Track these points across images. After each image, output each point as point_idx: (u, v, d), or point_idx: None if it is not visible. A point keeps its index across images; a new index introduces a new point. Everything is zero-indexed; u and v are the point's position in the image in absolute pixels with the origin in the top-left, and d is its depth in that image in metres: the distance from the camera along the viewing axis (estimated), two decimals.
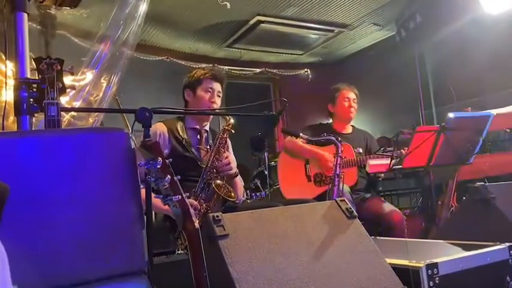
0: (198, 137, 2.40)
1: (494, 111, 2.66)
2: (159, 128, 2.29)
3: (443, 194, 3.20)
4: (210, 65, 5.06)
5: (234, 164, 2.32)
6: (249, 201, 3.95)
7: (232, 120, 2.30)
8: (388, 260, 1.45)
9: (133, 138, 1.32)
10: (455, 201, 2.97)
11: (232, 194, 2.20)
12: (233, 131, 2.31)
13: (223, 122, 2.34)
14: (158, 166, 1.14)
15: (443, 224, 2.91)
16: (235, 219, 1.38)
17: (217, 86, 2.41)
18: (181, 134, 2.32)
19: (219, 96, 2.43)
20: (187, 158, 2.27)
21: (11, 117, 2.01)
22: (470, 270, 1.51)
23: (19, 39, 1.89)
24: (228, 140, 2.34)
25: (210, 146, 2.38)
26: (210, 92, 2.39)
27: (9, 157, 1.11)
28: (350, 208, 1.56)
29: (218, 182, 2.18)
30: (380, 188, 3.88)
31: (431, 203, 4.04)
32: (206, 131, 2.45)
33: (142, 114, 1.38)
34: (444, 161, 2.61)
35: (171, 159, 1.18)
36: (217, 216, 1.33)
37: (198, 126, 2.42)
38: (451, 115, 2.51)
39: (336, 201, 1.59)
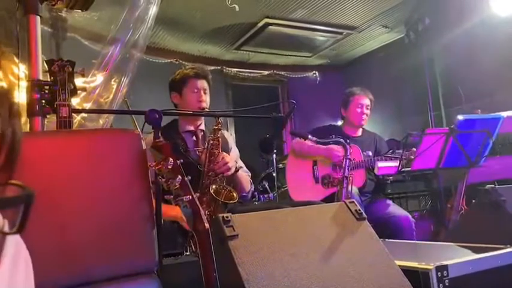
0: (194, 138, 2.37)
1: (504, 114, 2.64)
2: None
3: (453, 197, 3.18)
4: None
5: (232, 161, 2.24)
6: (256, 203, 3.96)
7: (221, 119, 2.22)
8: (398, 262, 1.45)
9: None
10: (465, 204, 2.95)
11: (234, 195, 2.13)
12: (221, 130, 2.22)
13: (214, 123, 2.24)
14: (169, 166, 1.15)
15: (452, 226, 2.89)
16: (245, 220, 1.38)
17: (202, 84, 2.36)
18: (176, 139, 2.27)
19: (206, 94, 2.38)
20: (185, 163, 2.26)
21: (23, 119, 2.03)
22: (481, 273, 1.50)
23: (32, 41, 1.91)
24: (225, 136, 2.29)
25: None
26: (196, 91, 2.34)
27: (23, 157, 1.12)
28: (359, 210, 1.55)
29: (214, 187, 2.11)
30: (389, 191, 3.87)
31: (441, 205, 4.01)
32: (202, 130, 2.41)
33: (152, 116, 1.40)
34: (453, 164, 2.60)
35: (181, 160, 1.20)
36: (226, 216, 1.33)
37: (193, 128, 2.38)
38: (460, 117, 2.50)
39: (345, 202, 1.58)
